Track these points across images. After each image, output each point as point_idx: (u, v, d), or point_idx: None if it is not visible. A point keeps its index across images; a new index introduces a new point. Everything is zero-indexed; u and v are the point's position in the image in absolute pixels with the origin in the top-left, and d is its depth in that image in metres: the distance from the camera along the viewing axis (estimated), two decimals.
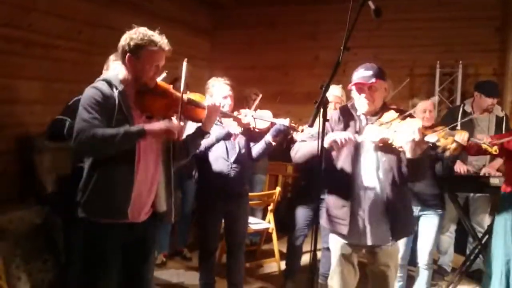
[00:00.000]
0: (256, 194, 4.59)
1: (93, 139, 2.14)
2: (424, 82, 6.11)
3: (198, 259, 3.58)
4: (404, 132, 2.39)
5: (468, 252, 4.45)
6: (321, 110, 2.02)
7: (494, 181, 3.75)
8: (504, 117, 4.33)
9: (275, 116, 3.45)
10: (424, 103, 3.56)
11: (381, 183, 2.59)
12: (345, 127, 2.65)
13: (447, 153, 3.11)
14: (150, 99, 2.36)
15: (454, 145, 2.40)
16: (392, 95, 3.43)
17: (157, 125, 2.31)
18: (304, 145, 2.71)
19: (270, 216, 4.62)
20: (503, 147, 3.30)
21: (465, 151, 3.44)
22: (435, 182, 3.57)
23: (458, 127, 4.21)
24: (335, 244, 2.73)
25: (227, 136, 3.29)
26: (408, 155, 2.42)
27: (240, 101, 4.13)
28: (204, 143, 3.12)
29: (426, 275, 3.66)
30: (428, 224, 3.58)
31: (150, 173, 2.38)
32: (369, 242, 2.62)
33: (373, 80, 2.55)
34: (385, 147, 2.50)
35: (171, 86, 2.54)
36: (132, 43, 2.26)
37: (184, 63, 2.52)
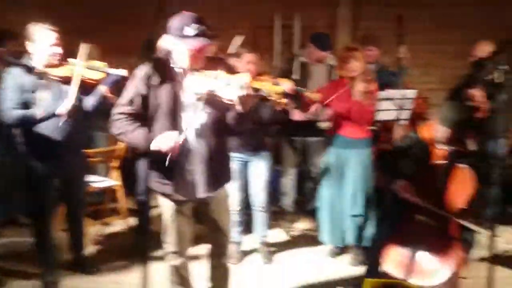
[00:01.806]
0: (97, 150, 4.33)
1: None
2: (264, 34, 6.26)
3: (32, 225, 3.28)
4: (232, 85, 2.35)
5: (306, 192, 4.82)
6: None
7: (323, 125, 4.03)
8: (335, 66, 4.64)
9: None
10: (248, 55, 3.56)
11: (206, 136, 2.53)
12: (161, 82, 2.46)
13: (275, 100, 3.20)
14: None
15: (279, 91, 2.47)
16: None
17: None
18: (131, 134, 2.46)
19: (114, 173, 4.41)
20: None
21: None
22: (261, 127, 3.65)
23: (295, 77, 4.46)
24: (165, 202, 2.63)
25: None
26: (239, 108, 2.39)
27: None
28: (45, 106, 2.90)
29: (263, 217, 3.82)
30: (258, 167, 3.73)
31: None
32: (199, 195, 2.58)
33: (208, 42, 2.41)
34: (211, 99, 2.42)
35: None
36: None
37: None
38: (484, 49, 4.11)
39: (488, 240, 2.27)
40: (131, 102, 2.48)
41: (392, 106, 3.91)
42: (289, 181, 4.82)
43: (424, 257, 2.80)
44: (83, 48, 3.15)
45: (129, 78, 3.00)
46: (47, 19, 3.14)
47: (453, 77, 4.88)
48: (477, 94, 3.82)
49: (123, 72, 3.17)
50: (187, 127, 2.46)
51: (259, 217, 3.82)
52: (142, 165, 3.65)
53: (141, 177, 3.67)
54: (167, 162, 2.40)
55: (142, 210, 3.89)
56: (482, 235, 2.58)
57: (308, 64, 4.58)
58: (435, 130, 3.07)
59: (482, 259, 2.77)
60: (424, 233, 2.88)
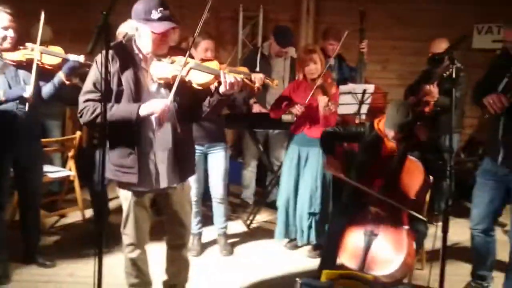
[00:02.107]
0: (53, 139, 4.21)
1: None
2: (228, 25, 6.23)
3: None
4: (204, 70, 2.35)
5: (267, 184, 4.84)
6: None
7: (286, 117, 4.05)
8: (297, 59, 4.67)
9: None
10: (206, 42, 3.50)
11: (171, 124, 2.48)
12: (122, 68, 2.38)
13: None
14: None
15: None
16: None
17: None
18: (112, 111, 2.34)
19: (70, 163, 4.29)
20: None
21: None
22: (218, 117, 3.62)
23: (257, 69, 4.46)
24: (125, 193, 2.56)
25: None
26: (221, 92, 2.37)
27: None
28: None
29: (222, 209, 3.81)
30: (216, 158, 3.71)
31: None
32: (162, 185, 2.52)
33: (173, 25, 2.36)
34: (179, 86, 2.36)
35: None
36: None
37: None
38: (440, 46, 4.23)
39: (440, 232, 2.34)
40: (95, 88, 2.38)
41: (352, 100, 3.99)
42: (250, 173, 4.83)
43: (377, 248, 2.87)
44: (40, 32, 3.03)
45: (88, 64, 2.94)
46: (3, 1, 3.00)
47: (411, 73, 5.02)
48: (433, 90, 3.93)
49: (81, 58, 3.07)
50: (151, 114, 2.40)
51: (218, 209, 3.81)
52: (98, 156, 3.59)
53: (99, 167, 3.60)
54: (155, 127, 2.37)
55: (99, 201, 3.80)
56: (434, 226, 2.66)
57: (270, 57, 4.59)
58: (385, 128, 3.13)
59: (434, 251, 2.86)
60: (378, 224, 2.94)
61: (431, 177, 3.07)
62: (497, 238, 3.16)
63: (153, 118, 2.38)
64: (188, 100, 2.49)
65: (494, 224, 3.14)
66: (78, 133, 4.24)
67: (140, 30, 2.38)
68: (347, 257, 2.96)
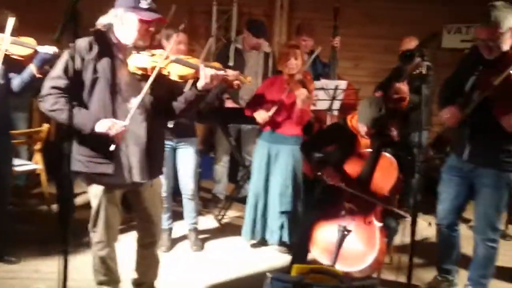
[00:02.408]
0: (20, 132, 4.09)
1: None
2: (202, 19, 6.17)
3: None
4: (183, 63, 2.33)
5: (238, 179, 4.82)
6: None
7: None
8: (271, 54, 4.67)
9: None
10: (178, 35, 3.42)
11: (145, 117, 2.45)
12: (99, 56, 2.35)
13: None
14: None
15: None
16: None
17: None
18: (69, 113, 2.22)
19: (37, 156, 4.18)
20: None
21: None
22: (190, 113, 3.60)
23: (231, 63, 4.44)
24: (95, 190, 2.50)
25: None
26: (200, 86, 2.36)
27: None
28: None
29: (192, 205, 3.77)
30: (186, 154, 3.66)
31: None
32: (134, 179, 2.46)
33: (159, 16, 2.37)
34: (157, 78, 2.35)
35: None
36: None
37: None
38: (410, 44, 4.30)
39: (410, 227, 2.38)
40: (64, 75, 2.31)
41: (324, 96, 4.01)
42: (221, 168, 4.81)
43: (350, 244, 2.90)
44: (10, 22, 2.92)
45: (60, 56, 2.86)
46: None
47: (383, 71, 5.08)
48: (403, 87, 3.99)
49: (53, 49, 2.98)
50: (130, 103, 2.38)
51: (189, 204, 3.77)
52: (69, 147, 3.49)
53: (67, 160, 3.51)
54: (112, 147, 2.31)
55: (66, 195, 3.71)
56: (404, 222, 2.70)
57: (243, 51, 4.57)
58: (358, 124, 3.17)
59: (404, 246, 2.91)
60: (350, 219, 2.97)
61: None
62: (461, 233, 3.23)
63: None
64: (165, 94, 2.47)
65: (459, 220, 3.21)
66: (45, 126, 4.13)
67: (124, 19, 2.35)
68: (320, 252, 2.98)
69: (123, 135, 2.36)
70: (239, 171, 5.01)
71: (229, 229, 4.23)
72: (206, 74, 2.32)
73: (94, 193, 2.51)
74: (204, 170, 5.10)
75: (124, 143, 2.42)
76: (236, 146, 4.67)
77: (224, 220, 4.42)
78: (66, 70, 2.31)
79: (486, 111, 2.69)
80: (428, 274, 3.36)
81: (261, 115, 3.61)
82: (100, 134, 2.32)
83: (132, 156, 2.45)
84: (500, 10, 2.58)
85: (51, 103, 2.31)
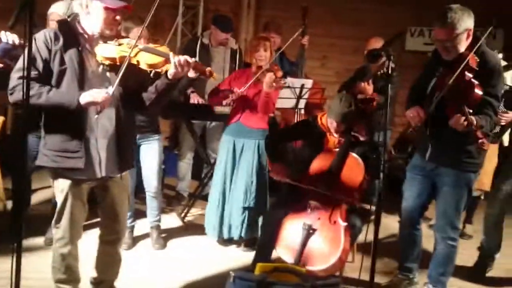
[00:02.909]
0: None
1: None
2: (168, 13, 6.08)
3: None
4: (153, 53, 2.29)
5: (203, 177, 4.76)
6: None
7: (219, 109, 4.00)
8: (238, 50, 4.64)
9: None
10: (139, 28, 3.40)
11: (114, 110, 2.41)
12: (66, 47, 2.29)
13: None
14: None
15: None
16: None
17: None
18: (48, 93, 2.22)
19: None
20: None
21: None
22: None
23: (197, 59, 4.37)
24: (62, 184, 2.42)
25: None
26: (170, 76, 2.32)
27: None
28: None
29: (156, 202, 3.70)
30: (150, 150, 3.59)
31: None
32: (103, 173, 2.43)
33: (125, 4, 2.33)
34: (127, 69, 2.29)
35: None
36: None
37: None
38: (376, 44, 4.35)
39: (373, 227, 2.39)
40: (33, 66, 2.22)
41: (290, 94, 4.01)
42: (186, 165, 4.74)
43: (315, 242, 2.90)
44: None
45: (23, 45, 2.73)
46: None
47: (349, 71, 5.13)
48: (367, 87, 4.03)
49: (15, 38, 2.84)
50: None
51: (152, 202, 3.70)
52: (29, 141, 3.36)
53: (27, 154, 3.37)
54: (96, 116, 2.29)
55: (21, 190, 3.56)
56: (368, 221, 2.73)
57: (210, 47, 4.52)
58: (327, 122, 3.19)
59: (365, 243, 2.92)
60: (316, 218, 2.97)
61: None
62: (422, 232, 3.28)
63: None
64: (134, 84, 2.43)
65: (421, 219, 3.26)
66: (1, 118, 3.96)
67: (90, 7, 2.30)
68: (283, 250, 2.97)
69: (89, 125, 2.34)
70: (203, 168, 4.95)
71: (193, 227, 4.17)
72: (176, 61, 2.28)
73: (60, 188, 2.43)
74: (169, 167, 5.03)
75: (94, 136, 2.38)
76: (200, 143, 4.62)
77: (188, 218, 4.36)
78: (33, 61, 2.23)
79: (444, 111, 2.75)
80: (390, 273, 3.41)
81: (235, 93, 3.58)
82: (75, 123, 2.30)
83: (101, 149, 2.40)
84: (456, 12, 2.65)
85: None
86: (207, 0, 6.05)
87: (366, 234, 2.66)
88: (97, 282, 2.75)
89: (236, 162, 3.67)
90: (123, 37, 2.46)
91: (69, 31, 2.34)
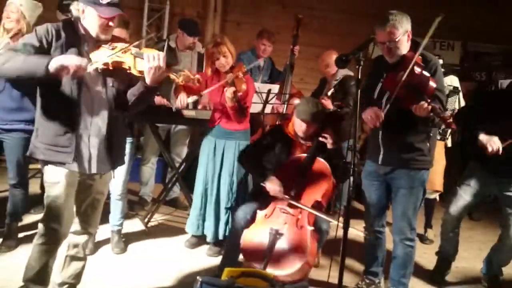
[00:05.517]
0: None
1: None
2: (132, 16, 5.97)
3: None
4: (142, 57, 2.29)
5: (167, 181, 4.69)
6: None
7: (189, 113, 3.96)
8: (204, 54, 4.60)
9: None
10: (117, 30, 3.33)
11: (107, 110, 2.43)
12: (67, 45, 2.32)
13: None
14: None
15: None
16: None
17: None
18: (23, 58, 2.16)
19: None
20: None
21: None
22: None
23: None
24: (57, 174, 2.39)
25: None
26: (148, 80, 2.32)
27: None
28: None
29: (120, 205, 3.64)
30: None
31: None
32: (93, 170, 2.46)
33: (119, 11, 2.35)
34: (118, 72, 2.35)
35: None
36: None
37: None
38: (328, 58, 4.51)
39: (339, 232, 2.41)
40: (24, 49, 2.22)
41: (257, 99, 4.01)
42: (149, 170, 4.65)
43: (281, 247, 2.89)
44: None
45: None
46: None
47: (313, 78, 5.22)
48: (325, 102, 4.01)
49: None
50: (93, 94, 2.39)
51: (116, 205, 3.62)
52: None
53: None
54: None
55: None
56: (334, 226, 2.74)
57: (177, 50, 4.48)
58: (295, 126, 3.22)
59: (333, 248, 2.94)
60: (282, 222, 2.97)
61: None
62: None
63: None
64: (125, 87, 2.48)
65: (385, 223, 3.31)
66: None
67: (86, 13, 2.35)
68: (250, 254, 2.94)
69: (83, 121, 2.36)
70: (168, 172, 4.87)
71: (156, 232, 4.09)
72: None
73: (52, 181, 2.41)
74: (130, 172, 4.90)
75: (87, 134, 2.40)
76: (164, 147, 4.54)
77: (151, 223, 4.27)
78: (26, 45, 2.23)
79: (397, 112, 2.80)
80: (356, 277, 3.45)
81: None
82: (68, 118, 2.33)
83: (93, 147, 2.44)
84: (396, 16, 2.80)
85: (2, 60, 2.16)
86: (173, 3, 5.99)
87: (335, 237, 2.66)
88: (59, 285, 2.67)
89: (217, 163, 3.65)
90: (119, 40, 2.47)
91: (72, 31, 2.38)
